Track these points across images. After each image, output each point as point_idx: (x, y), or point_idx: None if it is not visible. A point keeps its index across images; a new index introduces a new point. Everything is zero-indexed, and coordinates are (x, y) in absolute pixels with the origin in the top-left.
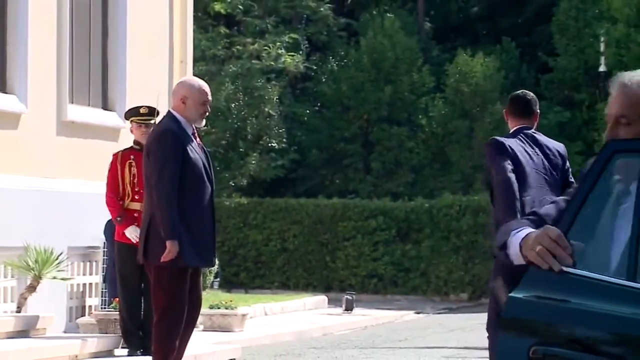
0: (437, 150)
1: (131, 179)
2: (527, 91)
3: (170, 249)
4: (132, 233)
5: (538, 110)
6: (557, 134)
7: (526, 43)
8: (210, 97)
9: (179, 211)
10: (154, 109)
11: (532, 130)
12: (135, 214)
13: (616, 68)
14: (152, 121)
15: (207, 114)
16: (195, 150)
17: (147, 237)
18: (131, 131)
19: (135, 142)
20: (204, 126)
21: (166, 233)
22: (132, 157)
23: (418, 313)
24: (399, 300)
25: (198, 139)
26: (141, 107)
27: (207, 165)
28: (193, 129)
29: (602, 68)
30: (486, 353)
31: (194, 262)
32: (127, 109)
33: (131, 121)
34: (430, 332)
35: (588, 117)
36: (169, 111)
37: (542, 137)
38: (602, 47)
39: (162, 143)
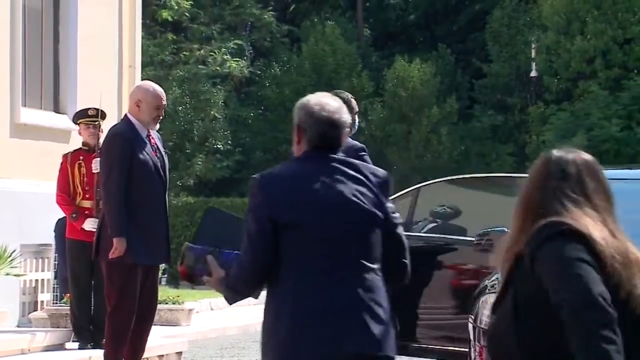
0: (375, 152)
1: (81, 178)
2: (340, 91)
3: (117, 246)
4: (91, 225)
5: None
6: (490, 137)
7: (461, 50)
8: (164, 102)
9: (129, 210)
10: (102, 110)
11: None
12: (86, 211)
13: (546, 73)
14: (99, 122)
15: (160, 117)
16: (146, 152)
17: (100, 234)
18: (79, 133)
19: (84, 143)
20: (158, 130)
21: (112, 230)
22: (81, 157)
23: None
24: None
25: (154, 140)
26: (89, 109)
27: (160, 167)
28: (148, 132)
29: (533, 73)
30: None
31: (143, 260)
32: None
33: (79, 123)
34: None
35: (520, 120)
36: (125, 114)
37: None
38: (533, 54)
39: (110, 146)
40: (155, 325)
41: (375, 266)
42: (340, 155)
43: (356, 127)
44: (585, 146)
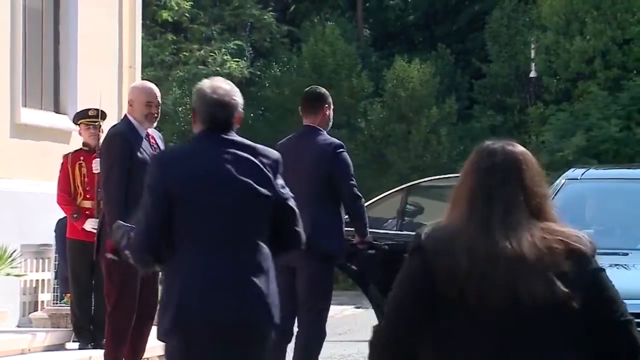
0: (375, 152)
1: (82, 179)
2: (315, 87)
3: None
4: (91, 225)
5: (325, 105)
6: (489, 137)
7: (460, 50)
8: (154, 99)
9: (129, 210)
10: (103, 111)
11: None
12: (87, 211)
13: (546, 73)
14: (99, 123)
15: (154, 115)
16: (146, 152)
17: (100, 234)
18: (80, 133)
19: (84, 143)
20: (157, 129)
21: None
22: (81, 158)
23: (358, 308)
24: (339, 296)
25: (154, 140)
26: (89, 109)
27: None
28: (147, 131)
29: (532, 73)
30: None
31: None
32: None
33: (80, 123)
34: (369, 325)
35: (519, 121)
36: (125, 114)
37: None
38: (532, 54)
39: (109, 146)
40: (155, 325)
41: (260, 238)
42: (231, 136)
43: (331, 122)
44: (584, 146)
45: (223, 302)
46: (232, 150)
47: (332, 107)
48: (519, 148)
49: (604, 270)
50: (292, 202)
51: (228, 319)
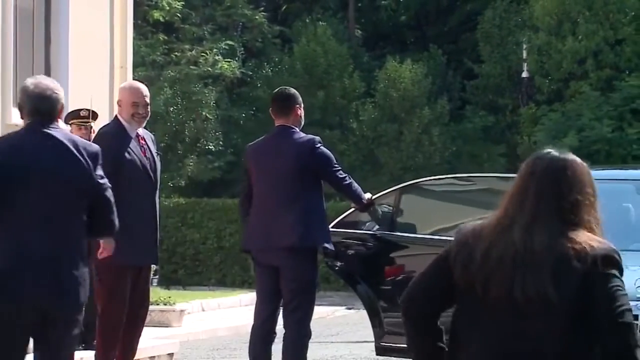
0: (367, 152)
1: None
2: (284, 88)
3: (105, 247)
4: None
5: (296, 105)
6: (482, 137)
7: (452, 50)
8: (141, 99)
9: (118, 210)
10: (94, 111)
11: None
12: None
13: (538, 74)
14: (92, 123)
15: (141, 115)
16: (134, 152)
17: None
18: (71, 133)
19: None
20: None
21: None
22: None
23: (349, 309)
24: (331, 297)
25: (144, 141)
26: (81, 109)
27: (149, 167)
28: (137, 132)
29: (524, 74)
30: None
31: (130, 260)
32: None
33: (71, 124)
34: (361, 327)
35: (511, 121)
36: (115, 115)
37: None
38: (524, 54)
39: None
40: (146, 326)
41: (75, 223)
42: (53, 128)
43: (302, 122)
44: (577, 147)
45: (31, 282)
46: (53, 141)
47: (302, 106)
48: (569, 156)
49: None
50: (109, 193)
51: (32, 297)
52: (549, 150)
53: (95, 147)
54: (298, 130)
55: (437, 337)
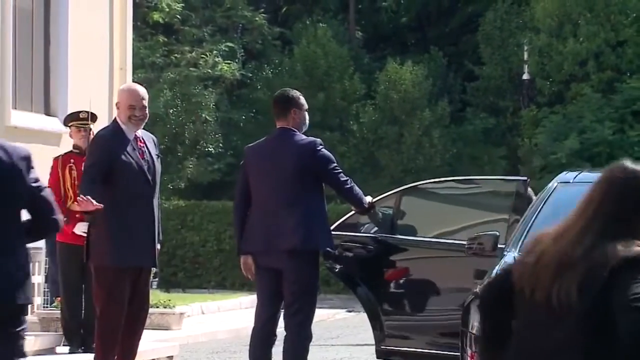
0: (367, 154)
1: (72, 181)
2: (284, 90)
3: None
4: (81, 229)
5: (293, 109)
6: (482, 140)
7: (453, 52)
8: (138, 102)
9: (114, 212)
10: (93, 113)
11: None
12: (77, 215)
13: (538, 76)
14: (91, 125)
15: (138, 118)
16: (130, 155)
17: (90, 237)
18: (70, 136)
19: (75, 146)
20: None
21: (80, 190)
22: (72, 160)
23: (350, 311)
24: (331, 299)
25: (142, 143)
26: (80, 112)
27: (147, 170)
28: (135, 134)
29: (525, 76)
30: None
31: (126, 262)
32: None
33: (70, 126)
34: (361, 329)
35: (512, 123)
36: (114, 117)
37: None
38: (525, 56)
39: (92, 147)
40: (146, 329)
41: (12, 227)
42: None
43: (307, 123)
44: (578, 149)
45: None
46: None
47: (303, 108)
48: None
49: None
50: (45, 193)
51: None
52: (626, 164)
53: (26, 151)
54: (299, 133)
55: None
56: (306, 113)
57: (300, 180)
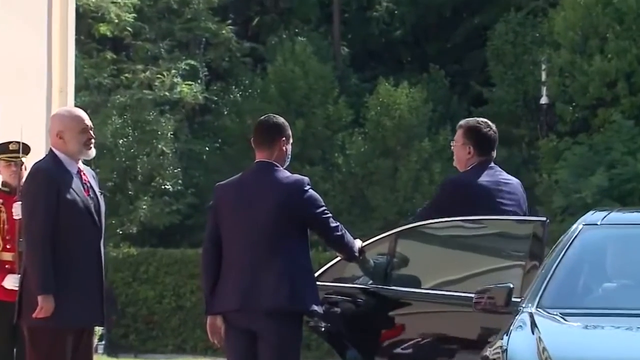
0: (356, 193)
1: (1, 225)
2: (270, 116)
3: (43, 305)
4: (12, 283)
5: (282, 138)
6: None
7: (457, 71)
8: (88, 123)
9: (56, 261)
10: (26, 145)
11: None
12: (7, 265)
13: (559, 99)
14: (23, 158)
15: (92, 140)
16: (76, 192)
17: (22, 293)
18: None
19: (4, 183)
20: (94, 167)
21: (38, 285)
22: (0, 200)
23: None
24: None
25: (86, 178)
26: (10, 142)
27: (94, 209)
28: (79, 168)
29: (543, 100)
30: None
31: (72, 322)
32: None
33: None
34: None
35: (528, 156)
36: (50, 149)
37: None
38: (543, 76)
39: (32, 184)
40: None
41: None
42: None
43: (289, 159)
44: (606, 187)
45: None
46: None
47: (290, 140)
48: None
49: None
50: None
51: None
52: None
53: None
54: (282, 168)
55: None
56: (290, 146)
57: (283, 226)
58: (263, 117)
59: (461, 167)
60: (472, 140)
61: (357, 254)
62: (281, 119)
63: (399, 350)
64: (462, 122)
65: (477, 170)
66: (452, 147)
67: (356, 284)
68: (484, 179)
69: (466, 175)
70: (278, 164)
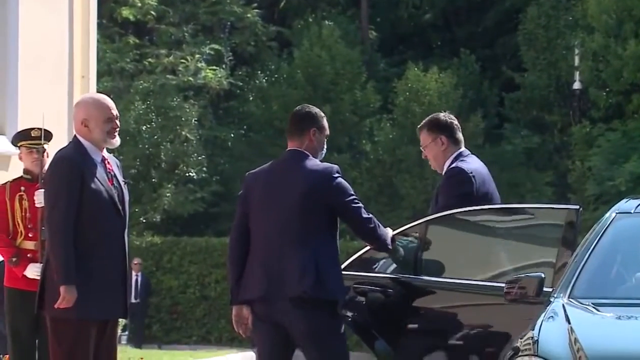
0: (383, 181)
1: (23, 214)
2: (304, 106)
3: (65, 296)
4: (35, 272)
5: (313, 129)
6: (524, 162)
7: (488, 56)
8: (114, 112)
9: (79, 251)
10: (48, 131)
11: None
12: (29, 254)
13: (592, 85)
14: (45, 145)
15: (117, 129)
16: (100, 181)
17: (44, 282)
18: (20, 158)
19: (26, 170)
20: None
21: (60, 276)
22: (22, 188)
23: None
24: None
25: (111, 167)
26: (32, 129)
27: (118, 199)
28: (103, 156)
29: (576, 85)
30: None
31: (95, 314)
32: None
33: (20, 146)
34: None
35: (561, 142)
36: (74, 136)
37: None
38: (576, 61)
39: (56, 173)
40: None
41: None
42: None
43: (324, 151)
44: None
45: None
46: None
47: (324, 131)
48: None
49: None
50: None
51: None
52: None
53: None
54: (312, 157)
55: None
56: (325, 139)
57: (311, 213)
58: (298, 106)
59: (440, 163)
60: (437, 131)
61: (389, 246)
62: (315, 109)
63: (429, 341)
64: (418, 127)
65: (465, 157)
66: (423, 156)
67: (386, 273)
68: (477, 165)
69: (463, 163)
70: (308, 153)
